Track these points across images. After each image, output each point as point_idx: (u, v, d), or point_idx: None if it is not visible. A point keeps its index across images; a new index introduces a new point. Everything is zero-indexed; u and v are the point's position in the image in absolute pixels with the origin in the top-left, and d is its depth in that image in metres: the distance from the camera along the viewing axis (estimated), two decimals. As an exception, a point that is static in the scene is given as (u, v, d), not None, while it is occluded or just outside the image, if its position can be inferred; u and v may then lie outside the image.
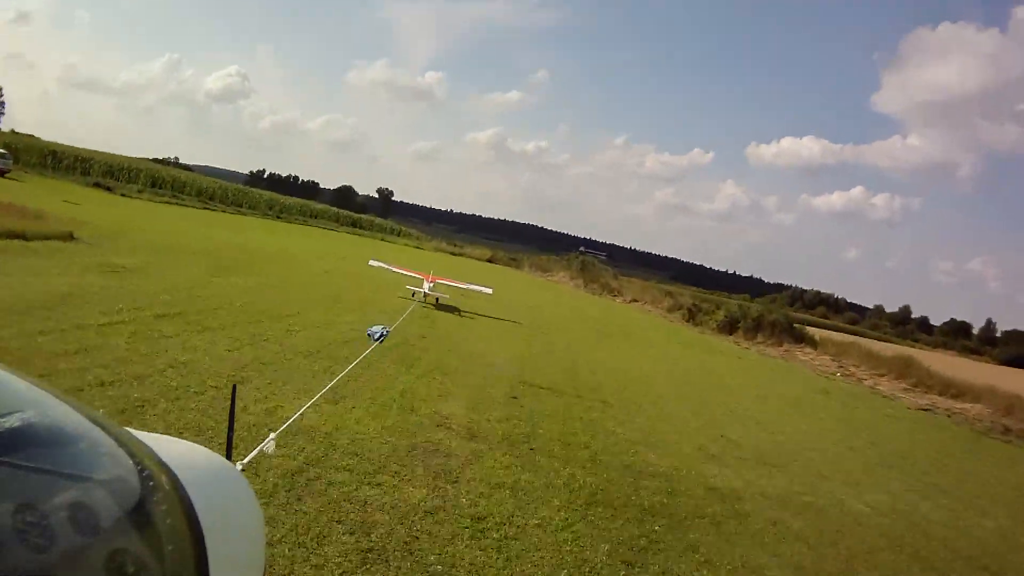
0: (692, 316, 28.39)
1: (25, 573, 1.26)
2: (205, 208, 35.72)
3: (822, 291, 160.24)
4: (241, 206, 40.93)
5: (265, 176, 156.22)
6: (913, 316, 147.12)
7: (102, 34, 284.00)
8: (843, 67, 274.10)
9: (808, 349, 23.74)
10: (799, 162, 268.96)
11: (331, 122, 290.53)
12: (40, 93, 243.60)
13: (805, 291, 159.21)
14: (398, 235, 53.34)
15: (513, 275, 38.42)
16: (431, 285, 15.37)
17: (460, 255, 47.82)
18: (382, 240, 45.22)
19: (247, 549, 2.10)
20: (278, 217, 41.75)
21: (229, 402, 3.11)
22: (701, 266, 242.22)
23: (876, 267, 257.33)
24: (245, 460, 3.05)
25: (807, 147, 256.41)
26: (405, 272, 16.51)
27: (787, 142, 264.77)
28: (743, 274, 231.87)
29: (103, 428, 1.77)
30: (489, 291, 16.90)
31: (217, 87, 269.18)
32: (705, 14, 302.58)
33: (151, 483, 1.69)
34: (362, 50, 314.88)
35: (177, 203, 33.93)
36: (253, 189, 49.25)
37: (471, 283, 17.03)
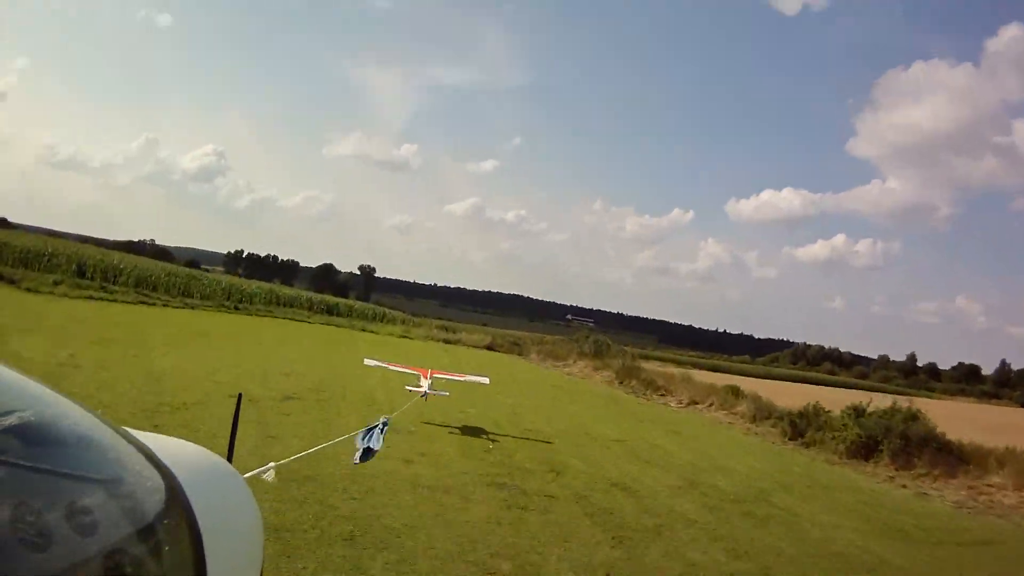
0: (799, 433, 20.24)
1: (23, 573, 1.26)
2: (140, 302, 28.12)
3: (825, 345, 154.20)
4: (192, 296, 33.47)
5: (244, 256, 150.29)
6: (919, 363, 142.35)
7: (80, 112, 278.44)
8: (817, 116, 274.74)
9: (993, 478, 15.97)
10: (779, 214, 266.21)
11: (309, 198, 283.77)
12: (16, 173, 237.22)
13: (808, 347, 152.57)
14: (382, 320, 45.85)
15: (522, 368, 30.96)
16: (429, 382, 13.51)
17: (455, 343, 40.39)
18: (363, 331, 37.68)
19: (245, 549, 2.15)
20: (236, 308, 34.15)
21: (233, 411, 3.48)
22: (690, 326, 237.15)
23: (862, 313, 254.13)
24: (245, 476, 2.72)
25: (786, 199, 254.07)
26: (402, 369, 14.86)
27: (766, 195, 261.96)
28: (732, 331, 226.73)
29: (102, 428, 1.81)
30: (486, 380, 15.16)
31: (193, 166, 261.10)
32: (677, 73, 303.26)
33: (149, 483, 1.72)
34: (337, 122, 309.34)
35: (101, 298, 26.25)
36: (208, 274, 41.64)
37: (467, 374, 15.84)
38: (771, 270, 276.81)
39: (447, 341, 40.08)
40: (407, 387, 13.35)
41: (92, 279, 29.04)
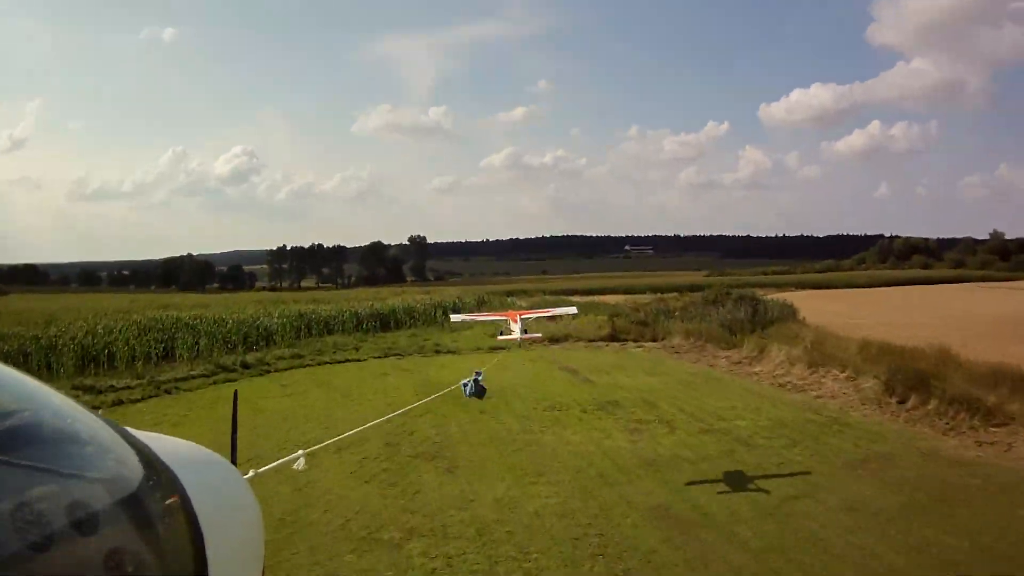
0: None
1: (24, 572, 1.23)
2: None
3: (898, 234, 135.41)
4: (174, 358, 20.96)
5: (288, 250, 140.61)
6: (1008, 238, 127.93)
7: (102, 141, 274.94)
8: (832, 7, 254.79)
9: None
10: (812, 112, 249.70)
11: (347, 178, 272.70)
12: (53, 213, 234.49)
13: (892, 240, 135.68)
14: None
15: (721, 395, 17.49)
16: (520, 326, 11.92)
17: (565, 340, 27.31)
18: (436, 352, 24.81)
19: (246, 548, 2.09)
20: (244, 365, 21.07)
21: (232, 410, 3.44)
22: (748, 236, 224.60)
23: (910, 196, 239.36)
24: (267, 467, 2.81)
25: (816, 95, 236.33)
26: (491, 317, 13.88)
27: (796, 95, 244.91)
28: (791, 235, 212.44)
29: (103, 427, 1.76)
30: (573, 310, 14.72)
31: (226, 170, 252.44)
32: None
33: (150, 482, 1.66)
34: (363, 97, 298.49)
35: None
36: (209, 306, 28.59)
37: (552, 308, 14.43)
38: (814, 168, 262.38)
39: (555, 339, 26.95)
40: (499, 336, 11.34)
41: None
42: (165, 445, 2.00)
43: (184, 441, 2.27)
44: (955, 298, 50.09)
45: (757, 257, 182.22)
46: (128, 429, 1.88)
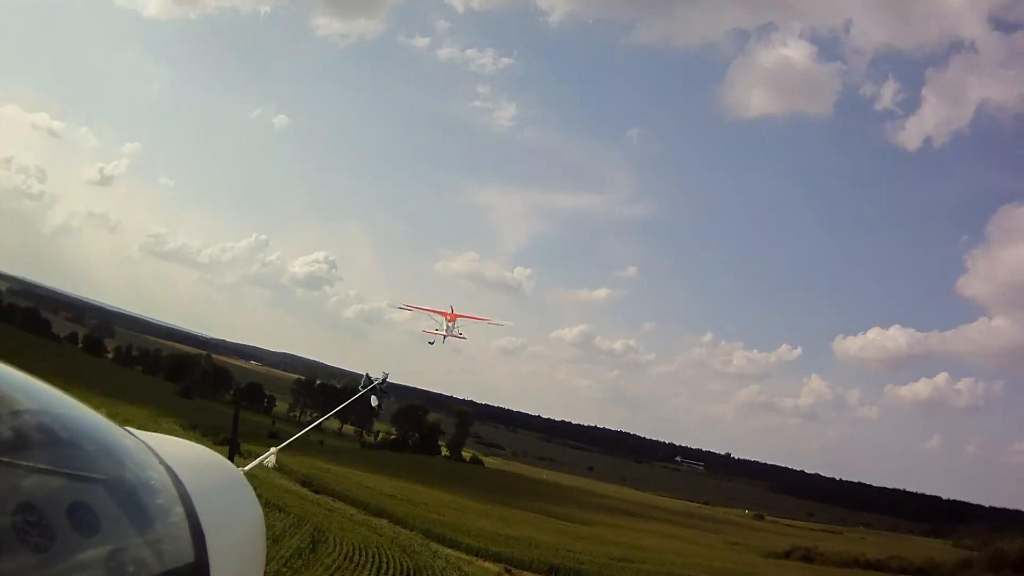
0: None
1: (25, 572, 1.29)
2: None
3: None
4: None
5: (316, 386, 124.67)
6: None
7: (188, 205, 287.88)
8: (929, 253, 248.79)
9: None
10: (885, 353, 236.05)
11: (418, 314, 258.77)
12: (123, 258, 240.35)
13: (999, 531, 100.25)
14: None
15: None
16: (451, 324, 14.40)
17: None
18: None
19: (247, 548, 2.13)
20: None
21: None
22: (802, 471, 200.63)
23: (958, 453, 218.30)
24: (247, 468, 2.95)
25: (893, 337, 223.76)
26: (429, 311, 15.39)
27: (873, 333, 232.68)
28: (848, 479, 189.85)
29: (104, 427, 1.80)
30: (509, 323, 18.93)
31: (303, 272, 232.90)
32: (791, 208, 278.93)
33: (152, 482, 1.74)
34: (453, 238, 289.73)
35: None
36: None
37: (490, 319, 16.44)
38: (873, 408, 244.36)
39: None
40: (423, 330, 12.95)
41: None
42: (167, 445, 1.99)
43: (186, 442, 2.29)
44: None
45: (807, 499, 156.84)
46: (130, 429, 1.89)
